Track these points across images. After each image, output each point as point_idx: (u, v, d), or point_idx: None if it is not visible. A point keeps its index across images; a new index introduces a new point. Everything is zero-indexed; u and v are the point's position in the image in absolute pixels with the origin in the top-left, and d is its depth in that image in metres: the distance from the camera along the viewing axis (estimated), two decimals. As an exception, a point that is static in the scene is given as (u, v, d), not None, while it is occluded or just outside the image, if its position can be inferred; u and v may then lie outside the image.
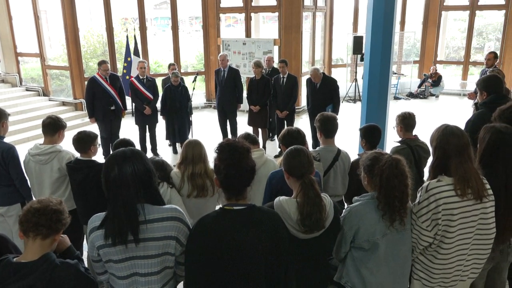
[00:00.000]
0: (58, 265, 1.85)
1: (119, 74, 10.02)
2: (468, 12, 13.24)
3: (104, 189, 1.86)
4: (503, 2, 12.67)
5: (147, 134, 7.64)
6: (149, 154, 7.29)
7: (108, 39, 11.08)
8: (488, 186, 2.33)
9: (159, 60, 18.65)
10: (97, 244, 1.86)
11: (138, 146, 7.39)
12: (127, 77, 9.61)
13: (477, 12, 13.33)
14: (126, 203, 1.81)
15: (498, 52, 11.46)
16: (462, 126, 2.83)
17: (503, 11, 12.80)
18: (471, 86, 11.34)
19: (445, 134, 2.33)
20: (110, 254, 1.86)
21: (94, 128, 6.95)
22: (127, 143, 3.42)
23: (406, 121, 3.75)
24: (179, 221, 1.91)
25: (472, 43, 13.73)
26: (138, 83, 7.34)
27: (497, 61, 7.89)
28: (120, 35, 15.26)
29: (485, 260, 2.43)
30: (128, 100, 7.77)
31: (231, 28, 24.55)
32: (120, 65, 11.35)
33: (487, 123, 2.77)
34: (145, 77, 7.42)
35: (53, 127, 3.69)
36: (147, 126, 7.57)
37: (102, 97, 6.94)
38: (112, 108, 7.03)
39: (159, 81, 8.61)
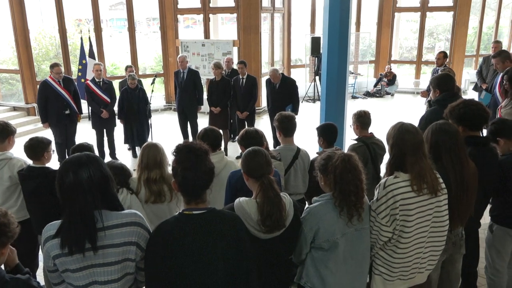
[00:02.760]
0: (8, 281, 1.76)
1: (74, 77, 9.73)
2: (419, 13, 13.78)
3: (59, 196, 1.79)
4: (451, 4, 13.28)
5: (105, 138, 7.44)
6: (108, 159, 7.10)
7: (61, 41, 10.71)
8: (441, 180, 2.42)
9: (116, 62, 18.21)
10: (53, 253, 1.79)
11: (95, 151, 7.19)
12: (83, 80, 9.34)
13: (428, 13, 13.90)
14: (82, 210, 1.74)
15: (447, 52, 12.02)
16: (416, 123, 2.94)
17: (452, 13, 13.41)
18: (424, 84, 11.79)
19: (400, 132, 2.40)
20: (67, 264, 1.79)
21: (48, 133, 6.72)
22: (86, 147, 3.32)
23: (362, 119, 3.86)
24: (139, 226, 1.86)
25: (423, 43, 14.30)
26: (94, 86, 7.14)
27: (447, 60, 8.25)
28: (74, 37, 14.79)
29: (441, 252, 2.53)
30: (84, 103, 7.54)
31: (189, 29, 24.32)
32: (74, 68, 10.99)
33: (439, 119, 2.89)
34: (101, 79, 7.23)
35: (1, 133, 3.53)
36: (104, 130, 7.37)
37: (55, 101, 6.70)
38: (67, 112, 6.80)
39: (116, 84, 8.41)
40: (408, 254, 2.40)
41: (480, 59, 8.48)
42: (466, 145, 2.71)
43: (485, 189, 2.91)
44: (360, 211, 2.26)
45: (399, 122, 2.49)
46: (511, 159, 3.03)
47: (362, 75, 14.31)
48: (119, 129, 7.67)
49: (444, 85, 4.01)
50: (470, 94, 11.40)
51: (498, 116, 4.64)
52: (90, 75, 8.78)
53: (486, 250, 3.29)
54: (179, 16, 11.84)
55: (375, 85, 13.79)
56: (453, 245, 2.78)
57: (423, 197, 2.34)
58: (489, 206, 3.30)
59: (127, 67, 8.50)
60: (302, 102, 11.27)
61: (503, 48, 7.84)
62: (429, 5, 13.62)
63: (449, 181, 2.51)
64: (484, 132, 3.54)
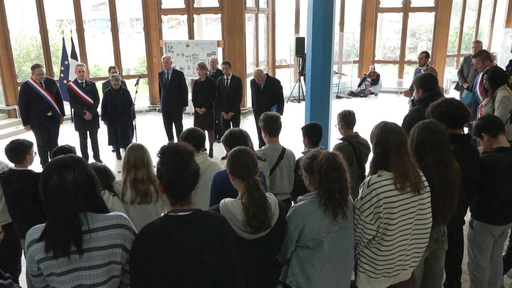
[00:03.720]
0: None
1: (56, 78, 9.60)
2: (401, 14, 13.96)
3: (43, 199, 1.77)
4: (433, 5, 13.48)
5: (89, 140, 7.35)
6: (92, 161, 7.01)
7: (42, 41, 10.54)
8: (424, 178, 2.46)
9: (99, 63, 18.01)
10: (37, 257, 1.76)
11: (79, 153, 7.11)
12: (65, 81, 9.21)
13: (410, 14, 14.08)
14: (67, 213, 1.72)
15: (430, 52, 12.19)
16: (399, 122, 2.98)
17: (433, 13, 13.62)
18: (407, 84, 11.94)
19: (384, 131, 2.43)
20: (51, 267, 1.77)
21: (30, 136, 6.61)
22: (67, 150, 3.27)
23: (347, 119, 3.89)
24: (125, 228, 1.85)
25: (406, 43, 14.49)
26: (77, 88, 7.05)
27: (429, 60, 8.36)
28: (55, 38, 14.55)
29: (424, 248, 2.57)
30: (67, 105, 7.44)
31: (174, 29, 24.20)
32: (56, 69, 10.83)
33: (422, 118, 2.94)
34: (84, 81, 7.13)
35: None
36: (88, 132, 7.28)
37: (37, 103, 6.60)
38: (49, 114, 6.71)
39: (99, 85, 8.32)
40: (392, 252, 2.43)
41: (461, 59, 8.63)
42: (450, 143, 2.75)
43: (467, 187, 2.96)
44: (345, 209, 2.28)
45: (382, 121, 2.52)
46: (492, 157, 3.09)
47: (346, 75, 14.42)
48: (102, 131, 7.59)
49: (427, 84, 4.08)
50: (452, 93, 11.58)
51: (479, 114, 4.72)
52: (72, 76, 8.66)
53: (468, 246, 3.36)
54: (163, 17, 11.77)
55: (359, 85, 13.91)
56: (436, 242, 2.83)
57: (406, 195, 2.37)
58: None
59: (110, 68, 8.42)
60: (287, 102, 11.31)
61: (483, 48, 7.99)
62: (411, 5, 13.80)
63: (433, 180, 2.55)
64: (465, 130, 3.60)
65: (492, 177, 3.05)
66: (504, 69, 6.06)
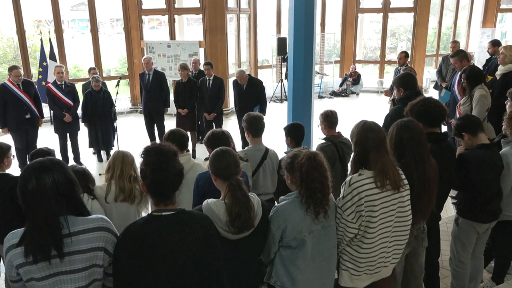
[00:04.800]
0: None
1: (35, 79, 9.43)
2: (381, 14, 14.14)
3: (21, 203, 1.73)
4: (411, 5, 13.69)
5: (69, 142, 7.24)
6: (72, 164, 6.91)
7: (19, 42, 10.31)
8: (403, 176, 2.49)
9: (78, 65, 17.75)
10: (16, 262, 1.72)
11: (58, 156, 7.00)
12: (44, 83, 9.05)
13: (390, 14, 14.27)
14: (47, 217, 1.69)
15: (409, 52, 12.37)
16: (381, 121, 3.02)
17: (412, 13, 13.83)
18: (387, 83, 12.10)
19: (364, 130, 2.46)
20: (31, 272, 1.73)
21: (8, 139, 6.48)
22: (46, 152, 3.22)
23: (329, 119, 3.92)
24: (106, 230, 1.83)
25: (386, 43, 14.69)
26: (56, 89, 6.92)
27: (408, 60, 8.50)
28: (33, 38, 14.32)
29: (404, 245, 2.61)
30: (46, 107, 7.31)
31: (155, 30, 24.03)
32: (35, 70, 10.63)
33: (403, 117, 2.98)
34: (63, 82, 7.01)
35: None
36: (68, 134, 7.16)
37: (15, 106, 6.47)
38: (27, 116, 6.58)
39: (79, 87, 8.20)
40: (374, 249, 2.45)
41: (440, 59, 8.78)
42: (427, 141, 2.80)
43: (444, 184, 3.01)
44: (326, 208, 2.30)
45: (362, 120, 2.54)
46: (474, 154, 3.14)
47: (328, 75, 14.53)
48: (83, 133, 7.49)
49: (407, 84, 4.15)
50: (431, 92, 11.79)
51: (458, 113, 4.82)
52: (51, 77, 8.50)
53: (452, 242, 3.41)
54: (143, 17, 11.67)
55: (341, 85, 14.04)
56: (416, 239, 2.87)
57: (387, 193, 2.40)
58: (450, 200, 3.42)
59: (90, 69, 8.31)
60: (269, 102, 11.34)
61: (460, 48, 8.15)
62: (391, 6, 14.00)
63: (412, 177, 2.59)
64: (443, 128, 3.67)
65: (475, 174, 3.11)
66: (481, 68, 6.19)
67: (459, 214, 3.33)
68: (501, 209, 3.30)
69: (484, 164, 3.10)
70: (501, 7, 15.58)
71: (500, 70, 5.27)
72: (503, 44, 6.75)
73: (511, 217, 3.42)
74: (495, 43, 7.19)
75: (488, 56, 7.50)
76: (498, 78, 5.31)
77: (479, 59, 13.43)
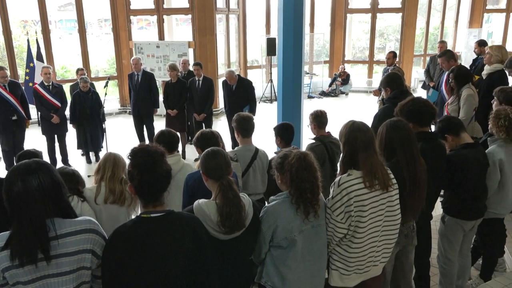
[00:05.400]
0: None
1: (21, 81, 9.31)
2: (370, 14, 14.24)
3: (7, 206, 1.71)
4: (399, 6, 13.81)
5: (57, 144, 7.16)
6: (60, 166, 6.83)
7: (5, 43, 10.18)
8: (392, 176, 2.51)
9: (66, 65, 17.57)
10: (2, 266, 1.70)
11: (46, 158, 6.92)
12: (30, 84, 8.93)
13: (378, 14, 14.39)
14: (33, 220, 1.67)
15: (397, 52, 12.46)
16: (369, 120, 3.03)
17: (400, 14, 13.96)
18: (376, 83, 12.19)
19: (352, 130, 2.46)
20: (18, 276, 1.71)
21: (-6, 140, 6.39)
22: (33, 154, 3.18)
23: (319, 119, 3.94)
24: (94, 233, 1.81)
25: (375, 43, 14.79)
26: (43, 90, 6.84)
27: (397, 60, 8.56)
28: (20, 39, 14.15)
29: (394, 244, 2.62)
30: (33, 108, 7.22)
31: (143, 30, 23.91)
32: (21, 71, 10.50)
33: (392, 116, 3.00)
34: (50, 83, 6.93)
35: None
36: (55, 135, 7.08)
37: (1, 107, 6.40)
38: (14, 118, 6.51)
39: (67, 88, 8.11)
40: (363, 249, 2.46)
41: (428, 59, 8.87)
42: (417, 141, 2.83)
43: (435, 183, 3.04)
44: (316, 207, 2.31)
45: (350, 120, 2.55)
46: (459, 153, 3.18)
47: (317, 75, 14.59)
48: (71, 134, 7.41)
49: (393, 83, 4.19)
50: (419, 92, 11.89)
51: (446, 112, 4.86)
52: (38, 78, 8.40)
53: (439, 240, 3.44)
54: (132, 17, 11.61)
55: (330, 85, 14.10)
56: (405, 237, 2.89)
57: (376, 192, 2.41)
58: (440, 198, 3.46)
59: (78, 70, 8.22)
60: (259, 102, 11.34)
61: (448, 48, 8.24)
62: (379, 6, 14.11)
63: (403, 177, 2.60)
64: (433, 127, 3.70)
65: (461, 173, 3.14)
66: (468, 68, 6.26)
67: (445, 212, 3.37)
68: (486, 206, 3.35)
69: (469, 163, 3.14)
70: (487, 7, 15.80)
71: (486, 69, 5.33)
72: (489, 44, 6.83)
73: (498, 215, 3.47)
74: (481, 43, 7.27)
75: (474, 56, 7.58)
76: (484, 77, 5.38)
77: (466, 59, 13.58)
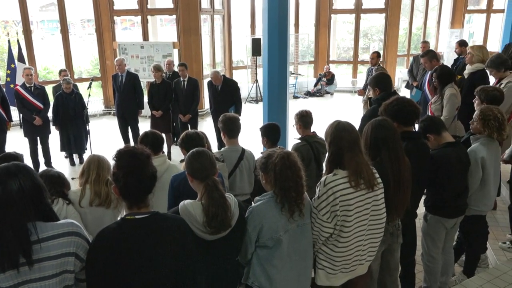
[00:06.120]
0: None
1: (2, 82, 9.16)
2: (354, 15, 14.36)
3: None
4: (383, 6, 13.96)
5: (39, 146, 7.05)
6: (44, 168, 6.73)
7: (-14, 44, 10.00)
8: (377, 175, 2.53)
9: (48, 66, 17.31)
10: (-17, 272, 1.67)
11: (29, 160, 6.81)
12: (12, 85, 8.78)
13: (362, 15, 14.53)
14: (14, 224, 1.64)
15: (381, 52, 12.59)
16: (354, 120, 3.05)
17: (384, 14, 14.11)
18: (361, 83, 12.29)
19: (337, 130, 2.48)
20: (-1, 281, 1.68)
21: (-26, 143, 6.25)
22: (13, 157, 3.11)
23: (304, 119, 3.95)
24: (77, 235, 1.78)
25: (359, 43, 14.92)
26: (25, 92, 6.73)
27: (381, 60, 8.65)
28: (0, 40, 13.86)
29: (379, 243, 2.64)
30: (15, 110, 7.09)
31: (128, 31, 23.65)
32: (2, 73, 10.31)
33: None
34: (32, 85, 6.82)
35: None
36: (38, 138, 6.97)
37: (-19, 109, 6.26)
38: (-5, 120, 6.37)
39: (49, 89, 8.00)
40: (349, 248, 2.48)
41: (411, 58, 8.98)
42: (401, 140, 2.85)
43: (419, 181, 3.08)
44: (301, 206, 2.32)
45: (335, 120, 2.57)
46: (442, 152, 3.22)
47: (303, 75, 14.65)
48: (54, 136, 7.30)
49: (382, 83, 4.20)
50: (403, 91, 12.03)
51: (429, 111, 4.92)
52: (20, 80, 8.26)
53: (422, 238, 3.49)
54: (115, 18, 11.48)
55: (315, 85, 14.17)
56: (391, 236, 2.92)
57: (361, 192, 2.43)
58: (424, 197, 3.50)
59: (61, 71, 8.10)
60: (245, 103, 11.34)
61: (430, 48, 8.35)
62: (363, 7, 14.23)
63: (388, 176, 2.63)
64: (417, 126, 3.74)
65: (443, 171, 3.19)
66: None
67: (427, 211, 3.42)
68: (467, 204, 3.41)
69: (451, 161, 3.18)
70: (468, 8, 16.08)
71: (468, 69, 5.41)
72: (471, 44, 6.95)
73: (480, 212, 3.52)
74: (462, 43, 7.41)
75: (456, 56, 7.71)
76: (466, 77, 5.46)
77: (448, 59, 13.80)
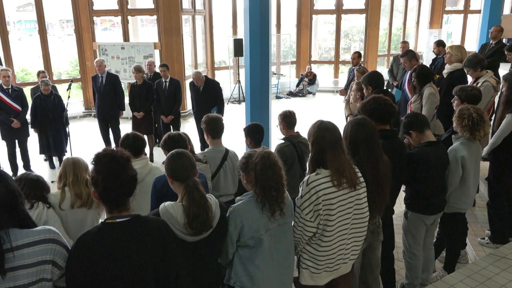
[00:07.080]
0: None
1: (-22, 84, 8.89)
2: (335, 15, 14.47)
3: None
4: (363, 7, 14.10)
5: (17, 149, 6.89)
6: (23, 172, 6.58)
7: (-40, 45, 9.73)
8: (359, 174, 2.55)
9: (26, 68, 16.96)
10: (-46, 282, 1.61)
11: (6, 164, 6.67)
12: (-12, 87, 8.54)
13: (343, 15, 14.64)
14: None
15: (362, 52, 12.71)
16: (336, 120, 3.07)
17: (364, 15, 14.26)
18: (342, 83, 12.38)
19: (320, 130, 2.49)
20: (-29, 292, 1.62)
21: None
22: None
23: (287, 119, 3.96)
24: (54, 242, 1.73)
25: (340, 44, 15.03)
26: (2, 94, 6.57)
27: (362, 60, 8.73)
28: (-24, 41, 13.49)
29: (362, 241, 2.66)
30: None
31: (108, 31, 23.34)
32: (-22, 75, 10.01)
33: None
34: (10, 87, 6.66)
35: None
36: (16, 140, 6.82)
37: (-43, 112, 6.10)
38: (-29, 123, 6.21)
39: (27, 91, 7.82)
40: (332, 247, 2.49)
41: (391, 58, 9.10)
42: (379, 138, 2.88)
43: (396, 179, 3.11)
44: (282, 205, 2.32)
45: (318, 120, 2.58)
46: (421, 151, 3.27)
47: (285, 76, 14.70)
48: (33, 139, 7.15)
49: (374, 81, 4.24)
50: (384, 91, 12.17)
51: (409, 110, 4.99)
52: (-4, 82, 8.07)
53: (403, 236, 3.54)
54: (95, 18, 11.33)
55: (297, 85, 14.24)
56: (372, 234, 2.95)
57: (344, 191, 2.44)
58: (403, 194, 3.55)
59: (39, 73, 7.94)
60: (227, 103, 11.31)
61: (410, 48, 8.47)
62: (344, 7, 14.36)
63: (366, 174, 2.65)
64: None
65: (423, 170, 3.23)
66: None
67: (407, 208, 3.47)
68: (446, 201, 3.47)
69: (431, 161, 3.23)
70: (446, 9, 16.37)
71: (447, 68, 5.50)
72: (449, 44, 7.07)
73: (460, 209, 3.58)
74: (439, 43, 7.55)
75: (434, 55, 7.83)
76: (445, 76, 5.55)
77: (427, 59, 14.01)
